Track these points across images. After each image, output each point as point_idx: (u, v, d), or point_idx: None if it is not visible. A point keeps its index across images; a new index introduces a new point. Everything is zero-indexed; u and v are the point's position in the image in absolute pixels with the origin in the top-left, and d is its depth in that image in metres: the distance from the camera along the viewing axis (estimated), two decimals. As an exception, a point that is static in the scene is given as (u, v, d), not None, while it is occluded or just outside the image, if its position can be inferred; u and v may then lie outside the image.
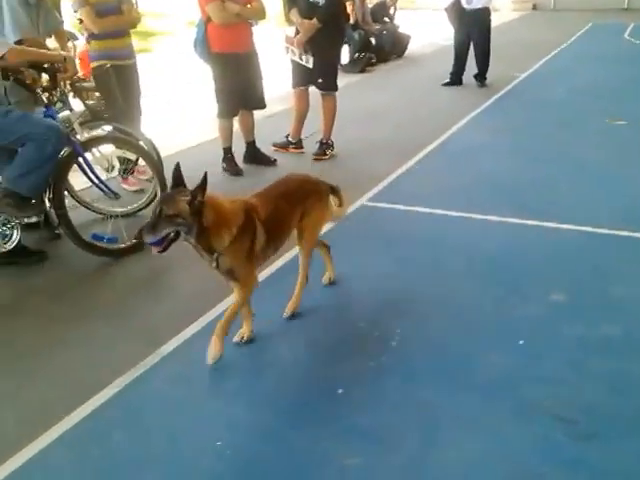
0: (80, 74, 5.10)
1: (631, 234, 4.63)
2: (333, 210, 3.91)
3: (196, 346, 3.38)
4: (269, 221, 3.33)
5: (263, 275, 4.14)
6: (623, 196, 5.36)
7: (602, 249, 4.49)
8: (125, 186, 5.76)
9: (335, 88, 6.81)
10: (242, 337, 3.50)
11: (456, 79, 10.24)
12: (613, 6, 20.67)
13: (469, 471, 2.59)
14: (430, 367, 3.26)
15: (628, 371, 3.17)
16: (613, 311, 3.69)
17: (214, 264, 3.16)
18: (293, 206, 3.57)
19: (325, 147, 6.90)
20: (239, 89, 6.28)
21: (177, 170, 3.05)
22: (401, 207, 5.38)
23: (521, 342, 3.39)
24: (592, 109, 8.41)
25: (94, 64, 5.81)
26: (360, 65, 11.98)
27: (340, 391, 3.09)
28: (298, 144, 7.20)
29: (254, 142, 6.78)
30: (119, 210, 5.07)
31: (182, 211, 2.91)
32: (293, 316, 3.74)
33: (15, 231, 4.39)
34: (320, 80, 6.68)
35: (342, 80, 10.93)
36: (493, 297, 3.90)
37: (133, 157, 5.29)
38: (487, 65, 10.03)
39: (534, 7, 23.32)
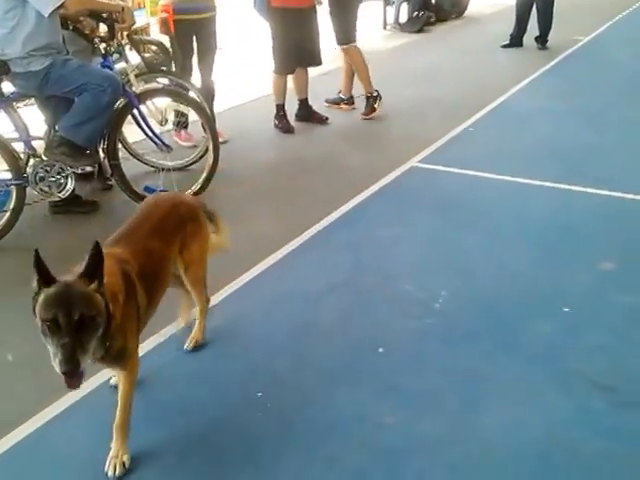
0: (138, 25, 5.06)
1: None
2: (213, 241, 3.10)
3: (245, 299, 3.39)
4: (145, 272, 2.47)
5: (307, 234, 4.17)
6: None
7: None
8: (178, 140, 5.80)
9: (349, 40, 6.66)
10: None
11: (516, 41, 9.98)
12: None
13: (507, 437, 2.58)
14: (473, 331, 3.25)
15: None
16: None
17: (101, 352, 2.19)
18: (169, 240, 2.73)
19: (372, 101, 6.77)
20: (297, 45, 6.26)
21: (38, 258, 2.03)
22: (454, 170, 5.32)
23: (566, 309, 3.35)
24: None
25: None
26: (419, 24, 11.77)
27: (381, 350, 3.11)
28: (349, 100, 7.17)
29: (307, 100, 6.76)
30: (171, 163, 5.13)
31: (99, 306, 2.05)
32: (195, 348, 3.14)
33: (69, 180, 4.44)
34: (335, 35, 6.67)
35: (399, 39, 10.93)
36: (542, 263, 3.85)
37: (187, 111, 5.31)
38: (549, 27, 9.73)
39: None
